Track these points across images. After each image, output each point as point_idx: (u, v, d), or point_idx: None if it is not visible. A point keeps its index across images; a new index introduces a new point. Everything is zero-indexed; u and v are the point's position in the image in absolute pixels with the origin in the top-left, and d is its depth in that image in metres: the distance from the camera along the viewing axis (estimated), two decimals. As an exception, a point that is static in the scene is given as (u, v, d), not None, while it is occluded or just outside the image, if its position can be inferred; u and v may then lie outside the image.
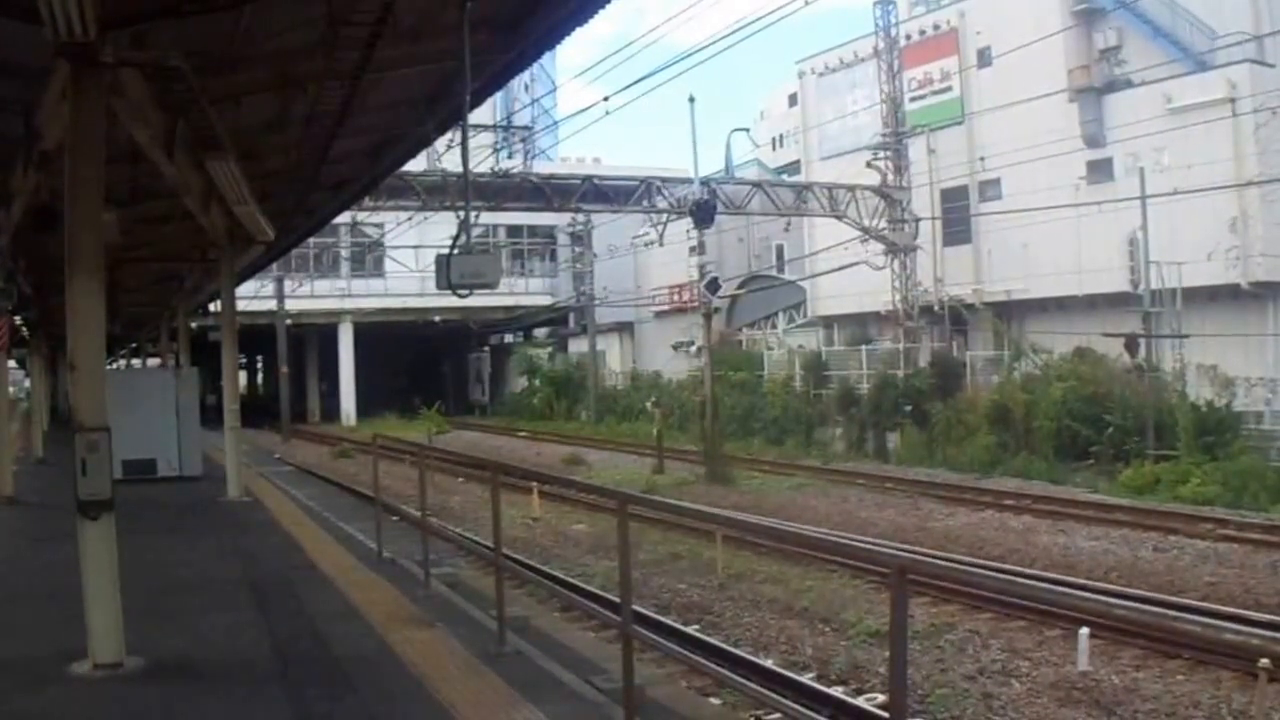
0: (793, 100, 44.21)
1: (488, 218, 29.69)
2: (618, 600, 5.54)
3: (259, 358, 68.02)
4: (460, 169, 12.17)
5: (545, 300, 48.24)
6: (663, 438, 25.65)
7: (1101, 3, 27.46)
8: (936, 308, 30.82)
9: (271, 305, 38.73)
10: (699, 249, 27.60)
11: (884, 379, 28.07)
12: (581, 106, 69.95)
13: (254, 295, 35.66)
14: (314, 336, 49.43)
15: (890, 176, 29.67)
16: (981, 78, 30.42)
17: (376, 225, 38.12)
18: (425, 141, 11.56)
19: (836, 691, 8.14)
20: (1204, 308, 24.13)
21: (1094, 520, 15.82)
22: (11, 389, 21.00)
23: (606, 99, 23.35)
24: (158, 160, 8.48)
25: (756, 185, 30.22)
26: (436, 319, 45.32)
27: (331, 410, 47.95)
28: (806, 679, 8.46)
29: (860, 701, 7.84)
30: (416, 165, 20.88)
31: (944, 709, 7.90)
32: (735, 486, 21.00)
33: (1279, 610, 10.23)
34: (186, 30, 6.66)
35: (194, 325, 25.13)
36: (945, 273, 31.05)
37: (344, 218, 29.68)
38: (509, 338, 53.38)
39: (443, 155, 20.97)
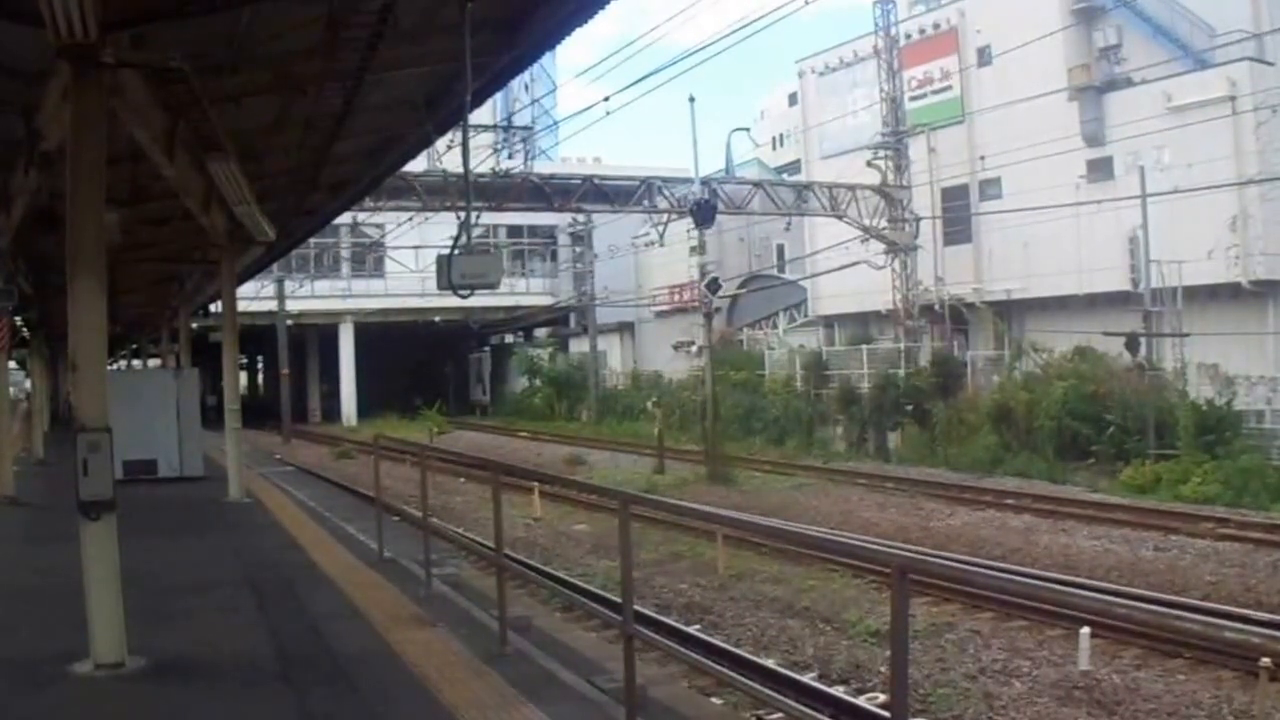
0: (793, 100, 44.27)
1: (488, 218, 29.71)
2: (619, 600, 5.54)
3: (259, 358, 68.03)
4: (461, 169, 12.16)
5: (546, 300, 48.25)
6: (663, 438, 25.66)
7: (1101, 1, 27.46)
8: (937, 307, 30.82)
9: (272, 305, 38.72)
10: (699, 249, 27.58)
11: (885, 378, 28.06)
12: (582, 106, 70.22)
13: (254, 296, 35.65)
14: (314, 337, 49.43)
15: (890, 176, 29.66)
16: (981, 77, 30.44)
17: (377, 226, 38.11)
18: (426, 142, 11.56)
19: (838, 691, 8.16)
20: (1204, 306, 24.13)
21: (1095, 519, 15.83)
22: (11, 390, 20.99)
23: (607, 99, 23.17)
24: (158, 161, 8.49)
25: (757, 185, 30.23)
26: (437, 319, 45.33)
27: (332, 411, 47.95)
28: (808, 679, 8.47)
29: (861, 701, 7.85)
30: (417, 165, 20.87)
31: (945, 708, 7.91)
32: (736, 486, 21.00)
33: (1280, 609, 10.24)
34: (187, 31, 6.67)
35: (195, 326, 25.13)
36: (946, 272, 31.05)
37: (345, 218, 29.70)
38: (510, 338, 53.39)
39: (443, 155, 20.94)
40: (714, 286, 25.79)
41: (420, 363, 54.65)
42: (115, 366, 35.88)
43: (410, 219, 28.40)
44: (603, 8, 7.13)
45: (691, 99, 27.59)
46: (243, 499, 13.98)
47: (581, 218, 40.20)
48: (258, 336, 42.85)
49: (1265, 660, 6.80)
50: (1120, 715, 7.79)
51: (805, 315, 37.78)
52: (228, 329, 15.00)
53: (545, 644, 6.78)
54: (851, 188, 29.49)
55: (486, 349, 54.23)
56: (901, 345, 29.43)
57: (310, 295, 43.30)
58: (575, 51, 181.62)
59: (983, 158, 30.19)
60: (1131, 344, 23.38)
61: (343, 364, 45.83)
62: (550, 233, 48.45)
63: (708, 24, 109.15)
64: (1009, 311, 30.32)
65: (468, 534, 12.92)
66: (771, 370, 33.90)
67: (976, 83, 30.56)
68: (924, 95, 32.10)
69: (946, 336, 30.85)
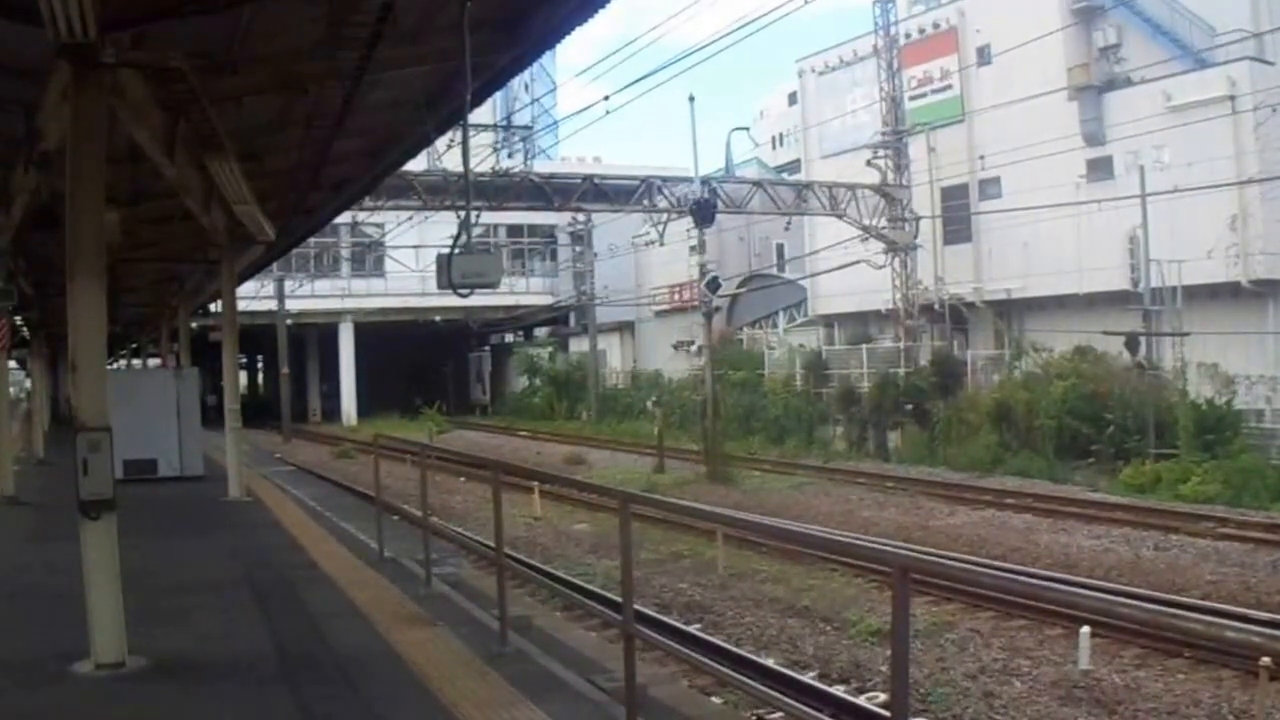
0: (792, 99, 44.23)
1: (488, 217, 29.72)
2: (619, 599, 5.54)
3: (259, 358, 68.01)
4: (460, 168, 12.16)
5: (546, 300, 48.26)
6: (663, 437, 25.66)
7: (1101, 1, 27.45)
8: (937, 306, 30.82)
9: (272, 305, 38.74)
10: (699, 248, 27.59)
11: (884, 378, 28.07)
12: (582, 106, 70.22)
13: (254, 295, 35.66)
14: (314, 336, 49.46)
15: (890, 175, 29.66)
16: (981, 76, 30.42)
17: (377, 225, 38.14)
18: (425, 141, 11.55)
19: (838, 690, 8.16)
20: (1204, 306, 24.12)
21: (1095, 519, 15.83)
22: (12, 389, 20.98)
23: (607, 98, 23.17)
24: (158, 160, 8.48)
25: (757, 184, 30.22)
26: (437, 319, 45.35)
27: (332, 410, 47.97)
28: (808, 678, 8.48)
29: (862, 700, 7.85)
30: (417, 165, 20.87)
31: (945, 708, 7.91)
32: (736, 485, 21.00)
33: (1280, 608, 10.24)
34: (187, 31, 6.66)
35: (195, 325, 25.12)
36: (945, 271, 31.04)
37: (344, 217, 29.71)
38: (509, 337, 53.40)
39: (443, 155, 20.99)
40: (714, 286, 25.81)
41: (420, 362, 54.68)
42: (115, 366, 35.86)
43: (410, 218, 28.41)
44: (603, 7, 7.13)
45: (691, 99, 27.62)
46: (243, 498, 13.98)
47: (581, 217, 40.21)
48: (258, 336, 42.85)
49: (1265, 660, 6.80)
50: (1120, 715, 7.79)
51: (805, 315, 37.78)
52: (228, 329, 15.00)
53: (545, 643, 6.77)
54: (851, 187, 29.48)
55: (486, 348, 54.24)
56: (901, 345, 29.43)
57: (310, 295, 43.31)
58: (575, 51, 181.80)
59: (982, 157, 30.16)
60: (1131, 343, 23.38)
61: (343, 364, 45.83)
62: (550, 232, 48.44)
63: (708, 24, 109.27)
64: (1009, 311, 30.31)
65: (468, 533, 12.94)
66: (771, 370, 33.92)
67: (976, 82, 30.55)
68: (924, 95, 32.08)
69: (946, 336, 30.84)
